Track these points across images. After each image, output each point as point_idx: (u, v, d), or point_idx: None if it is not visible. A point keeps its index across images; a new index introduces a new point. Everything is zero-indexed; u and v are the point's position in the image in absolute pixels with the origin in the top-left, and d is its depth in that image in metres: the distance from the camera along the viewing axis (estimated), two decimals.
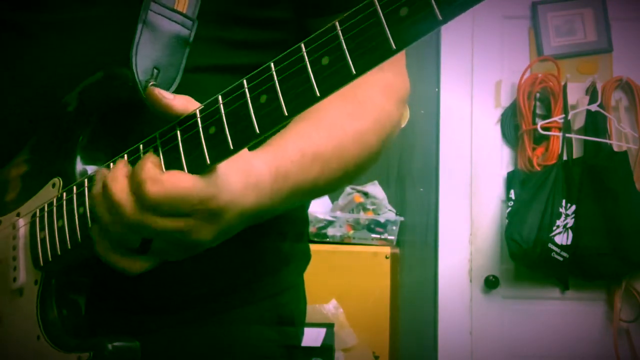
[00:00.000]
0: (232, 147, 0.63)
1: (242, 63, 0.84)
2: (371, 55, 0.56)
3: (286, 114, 0.60)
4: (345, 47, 0.57)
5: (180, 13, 0.77)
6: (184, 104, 0.67)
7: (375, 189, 2.72)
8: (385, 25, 0.55)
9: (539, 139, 2.76)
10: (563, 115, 2.70)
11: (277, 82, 0.60)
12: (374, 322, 2.46)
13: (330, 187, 0.81)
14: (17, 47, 0.84)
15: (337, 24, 0.57)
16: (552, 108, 2.74)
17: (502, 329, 2.84)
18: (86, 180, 0.74)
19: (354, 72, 0.57)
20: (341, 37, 0.57)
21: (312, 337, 2.23)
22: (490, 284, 2.83)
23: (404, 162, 2.87)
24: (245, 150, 0.67)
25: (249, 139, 0.62)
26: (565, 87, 2.71)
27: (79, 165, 0.78)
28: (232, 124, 0.63)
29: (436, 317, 2.83)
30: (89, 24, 0.82)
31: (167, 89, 0.75)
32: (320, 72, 0.58)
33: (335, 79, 0.58)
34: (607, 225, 2.60)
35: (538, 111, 2.78)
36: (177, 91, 0.76)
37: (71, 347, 0.75)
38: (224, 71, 0.84)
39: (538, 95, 2.78)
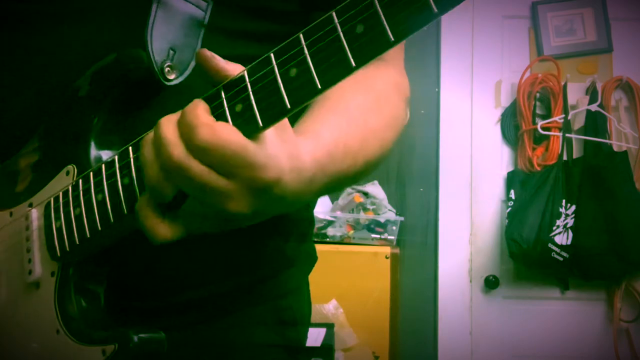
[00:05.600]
0: (261, 124, 0.61)
1: (247, 54, 0.83)
2: (406, 19, 0.54)
3: (319, 86, 0.58)
4: (381, 12, 0.54)
5: None
6: (235, 69, 0.64)
7: (375, 189, 2.72)
8: None
9: (539, 139, 2.76)
10: (563, 115, 2.70)
11: (307, 54, 0.58)
12: (374, 322, 2.46)
13: (352, 181, 0.79)
14: (25, 34, 0.83)
15: None
16: (552, 108, 2.74)
17: (502, 329, 2.84)
18: (103, 166, 0.72)
19: (392, 39, 0.55)
20: (377, 3, 0.55)
21: (312, 337, 2.23)
22: (490, 284, 2.83)
23: (404, 162, 2.87)
24: (292, 133, 0.65)
25: (280, 114, 0.60)
26: (565, 87, 2.71)
27: (93, 151, 0.75)
28: (261, 99, 0.61)
29: (436, 317, 2.83)
30: (99, 7, 0.80)
31: (183, 72, 0.74)
32: (354, 40, 0.56)
33: (371, 47, 0.56)
34: (607, 225, 2.60)
35: (538, 111, 2.78)
36: (193, 73, 0.75)
37: (94, 340, 0.72)
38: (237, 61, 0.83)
39: (538, 95, 2.78)
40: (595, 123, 2.70)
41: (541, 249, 2.57)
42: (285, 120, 0.64)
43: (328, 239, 2.59)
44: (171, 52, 0.74)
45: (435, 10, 0.52)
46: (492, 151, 2.87)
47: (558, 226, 2.59)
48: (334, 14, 0.57)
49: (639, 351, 2.76)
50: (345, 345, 2.41)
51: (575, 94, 2.75)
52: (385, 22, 0.54)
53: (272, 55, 0.61)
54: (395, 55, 0.90)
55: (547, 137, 2.73)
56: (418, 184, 2.88)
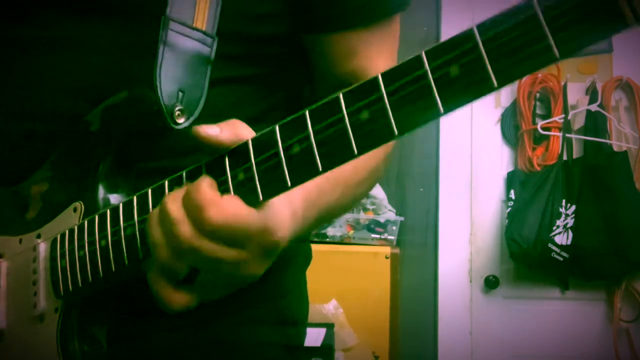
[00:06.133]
0: (261, 198, 0.61)
1: (244, 74, 0.84)
2: (415, 115, 0.53)
3: (320, 169, 0.58)
4: (387, 102, 0.54)
5: (200, 30, 0.75)
6: (231, 135, 0.64)
7: (375, 189, 2.72)
8: (435, 89, 0.51)
9: (539, 139, 2.76)
10: (563, 115, 2.69)
11: (312, 136, 0.58)
12: (374, 322, 2.46)
13: (347, 208, 0.80)
14: (35, 58, 0.83)
15: (379, 77, 0.54)
16: (552, 108, 2.74)
17: (502, 329, 2.84)
18: (109, 212, 0.72)
19: (396, 133, 0.54)
20: (384, 93, 0.54)
21: (312, 337, 2.23)
22: (490, 284, 2.83)
23: (404, 162, 2.87)
24: None
25: (280, 191, 0.60)
26: (565, 87, 2.71)
27: (101, 192, 0.76)
28: (263, 173, 0.61)
29: (436, 317, 2.83)
30: (105, 41, 0.80)
31: (193, 111, 0.74)
32: (359, 127, 0.55)
33: (374, 137, 0.55)
34: (607, 225, 2.59)
35: (538, 111, 2.78)
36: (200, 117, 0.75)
37: None
38: (231, 82, 0.83)
39: (538, 95, 2.78)
40: (595, 123, 2.70)
41: (541, 249, 2.57)
42: None
43: (328, 239, 2.59)
44: (180, 94, 0.74)
45: (442, 110, 0.52)
46: (492, 151, 2.87)
47: (558, 226, 2.59)
48: (341, 96, 0.56)
49: (639, 351, 2.76)
50: (345, 345, 2.41)
51: (575, 94, 2.75)
52: (391, 116, 0.54)
53: (277, 129, 0.60)
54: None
55: (547, 137, 2.73)
56: (418, 184, 2.88)
